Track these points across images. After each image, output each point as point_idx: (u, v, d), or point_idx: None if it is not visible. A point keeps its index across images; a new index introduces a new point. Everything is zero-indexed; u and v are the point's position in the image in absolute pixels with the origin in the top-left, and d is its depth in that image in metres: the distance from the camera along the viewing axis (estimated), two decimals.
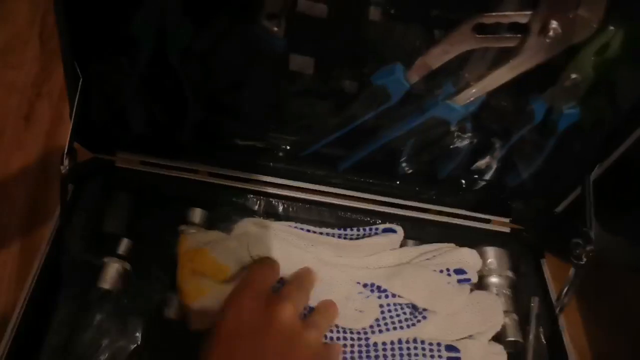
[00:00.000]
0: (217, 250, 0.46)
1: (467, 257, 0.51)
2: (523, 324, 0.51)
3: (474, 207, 0.57)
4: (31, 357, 0.40)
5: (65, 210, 0.47)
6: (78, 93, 0.44)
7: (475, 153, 0.53)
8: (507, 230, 0.58)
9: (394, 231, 0.52)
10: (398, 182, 0.55)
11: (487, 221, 0.57)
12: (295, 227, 0.51)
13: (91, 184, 0.51)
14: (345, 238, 0.51)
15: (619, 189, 0.59)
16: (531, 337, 0.50)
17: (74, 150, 0.45)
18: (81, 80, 0.44)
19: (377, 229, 0.52)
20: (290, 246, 0.48)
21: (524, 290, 0.53)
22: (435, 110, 0.46)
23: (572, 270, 0.50)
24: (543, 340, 0.50)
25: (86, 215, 0.49)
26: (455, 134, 0.50)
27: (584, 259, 0.49)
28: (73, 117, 0.44)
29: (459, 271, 0.50)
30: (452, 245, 0.53)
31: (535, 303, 0.52)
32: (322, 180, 0.54)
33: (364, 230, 0.52)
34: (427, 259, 0.51)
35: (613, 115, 0.48)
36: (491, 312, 0.48)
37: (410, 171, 0.54)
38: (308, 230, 0.51)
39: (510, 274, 0.53)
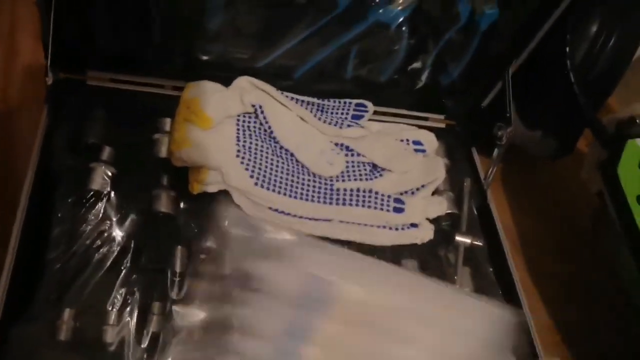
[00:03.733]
0: (208, 101, 0.53)
1: (425, 135, 0.62)
2: (459, 201, 0.60)
3: (412, 107, 0.65)
4: (40, 245, 0.45)
5: (51, 123, 0.52)
6: (52, 12, 0.48)
7: (411, 56, 0.60)
8: (442, 125, 0.67)
9: (365, 105, 0.61)
10: (346, 86, 0.62)
11: (425, 119, 0.66)
12: (282, 93, 0.59)
13: (68, 101, 0.55)
14: (323, 109, 0.60)
15: (531, 84, 0.69)
16: (465, 209, 0.59)
17: (55, 66, 0.49)
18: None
19: (350, 102, 0.62)
20: (278, 103, 0.57)
21: (458, 174, 0.63)
22: (377, 15, 0.53)
23: (495, 151, 0.60)
24: (475, 211, 0.60)
25: (67, 129, 0.53)
26: (394, 37, 0.57)
27: (505, 139, 0.58)
28: (50, 36, 0.48)
29: (416, 142, 0.60)
30: (415, 127, 0.63)
31: (467, 183, 0.62)
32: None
33: (340, 102, 0.61)
34: (391, 132, 0.61)
35: (526, 15, 0.56)
36: (434, 169, 0.58)
37: (356, 75, 0.61)
38: (292, 98, 0.59)
39: (446, 160, 0.62)
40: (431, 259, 0.55)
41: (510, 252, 0.57)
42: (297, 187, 0.54)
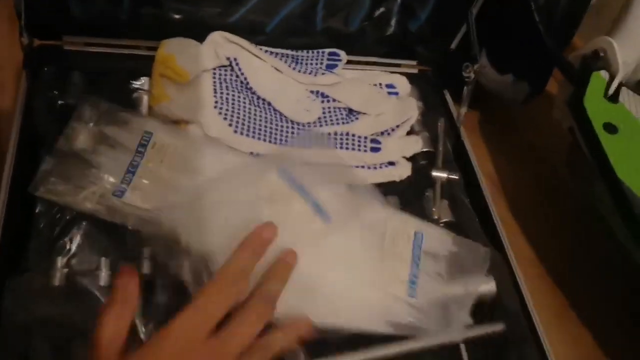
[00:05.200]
0: (182, 56, 0.54)
1: (397, 79, 0.64)
2: (434, 140, 0.62)
3: (384, 55, 0.67)
4: (28, 201, 0.47)
5: (30, 88, 0.53)
6: None
7: (377, 3, 0.62)
8: (415, 71, 0.69)
9: (338, 54, 0.63)
10: (317, 39, 0.64)
11: (398, 65, 0.68)
12: (257, 46, 0.60)
13: (45, 67, 0.56)
14: (298, 60, 0.62)
15: (498, 29, 0.71)
16: (440, 146, 0.61)
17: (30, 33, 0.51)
18: None
19: (323, 52, 0.63)
20: (253, 55, 0.59)
21: (433, 116, 0.65)
22: None
23: (465, 89, 0.62)
24: (449, 148, 0.62)
25: (47, 94, 0.55)
26: None
27: (472, 75, 0.60)
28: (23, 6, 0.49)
29: (389, 86, 0.62)
30: (388, 72, 0.65)
31: (441, 122, 0.64)
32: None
33: (313, 52, 0.63)
34: (364, 77, 0.63)
35: None
36: (408, 109, 0.60)
37: (326, 27, 0.63)
38: (266, 51, 0.61)
39: (420, 104, 0.64)
40: (411, 195, 0.58)
41: (489, 189, 0.60)
42: (276, 133, 0.56)
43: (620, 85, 0.66)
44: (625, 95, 0.67)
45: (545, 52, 0.70)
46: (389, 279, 0.47)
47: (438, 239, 0.51)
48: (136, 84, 0.57)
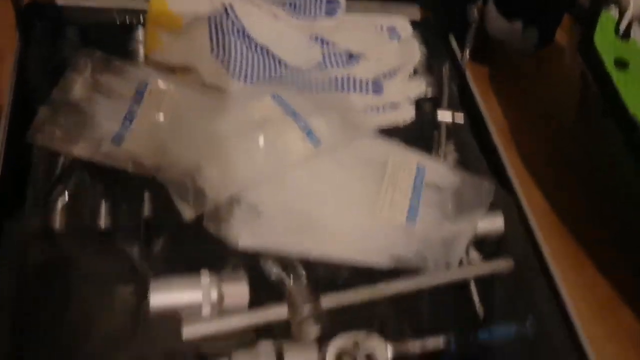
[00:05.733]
0: (175, 2, 0.53)
1: (399, 22, 0.62)
2: (439, 84, 0.61)
3: None
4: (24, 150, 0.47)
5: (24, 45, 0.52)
6: None
7: None
8: (417, 17, 0.67)
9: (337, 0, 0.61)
10: None
11: (400, 12, 0.66)
12: None
13: (38, 23, 0.55)
14: (295, 7, 0.60)
15: None
16: (445, 89, 0.60)
17: None
18: None
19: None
20: (248, 3, 0.57)
21: (436, 60, 0.63)
22: None
23: (469, 30, 0.60)
24: (455, 91, 0.60)
25: (40, 48, 0.54)
26: None
27: (476, 14, 0.58)
28: None
29: (390, 28, 0.61)
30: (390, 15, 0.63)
31: (445, 66, 0.62)
32: None
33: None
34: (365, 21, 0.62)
35: None
36: (410, 51, 0.58)
37: None
38: None
39: (424, 49, 0.63)
40: (417, 139, 0.56)
41: (498, 135, 0.58)
42: (275, 80, 0.54)
43: (631, 22, 0.64)
44: (637, 31, 0.65)
45: None
46: (388, 209, 0.46)
47: (441, 173, 0.50)
48: (131, 36, 0.56)
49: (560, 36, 0.77)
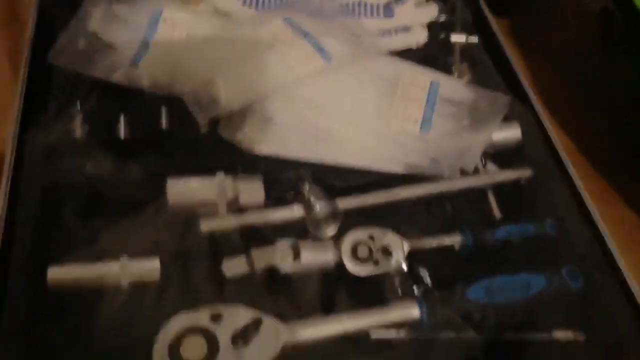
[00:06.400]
0: None
1: None
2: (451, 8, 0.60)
3: None
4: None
5: None
6: None
7: None
8: None
9: None
10: None
11: None
12: None
13: None
14: None
15: None
16: (458, 13, 0.60)
17: None
18: None
19: None
20: None
21: None
22: None
23: None
24: (469, 16, 0.60)
25: None
26: None
27: None
28: None
29: None
30: None
31: None
32: None
33: None
34: None
35: None
36: None
37: None
38: None
39: None
40: (430, 62, 0.56)
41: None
42: (285, 7, 0.55)
43: None
44: None
45: None
46: (402, 119, 0.47)
47: (455, 88, 0.50)
48: None
49: None
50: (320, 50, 0.48)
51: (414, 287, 0.40)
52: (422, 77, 0.50)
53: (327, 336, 0.38)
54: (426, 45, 0.57)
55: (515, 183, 0.48)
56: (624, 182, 0.63)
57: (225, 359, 0.35)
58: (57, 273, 0.38)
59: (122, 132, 0.45)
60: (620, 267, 0.42)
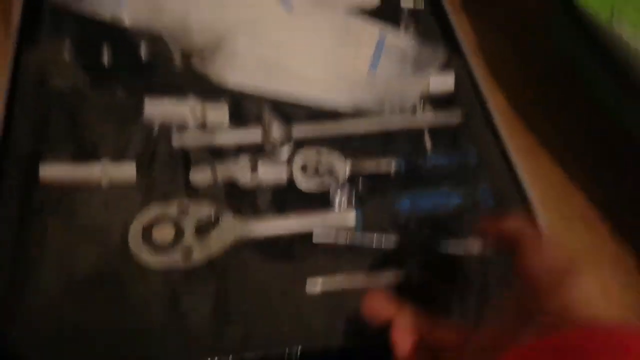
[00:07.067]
0: None
1: None
2: None
3: None
4: None
5: None
6: None
7: None
8: None
9: None
10: None
11: None
12: None
13: None
14: None
15: None
16: None
17: None
18: None
19: None
20: None
21: None
22: None
23: None
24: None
25: None
26: None
27: None
28: None
29: None
30: None
31: None
32: None
33: None
34: None
35: None
36: None
37: None
38: None
39: None
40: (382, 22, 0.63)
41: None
42: None
43: None
44: None
45: None
46: (353, 58, 0.54)
47: (401, 38, 0.58)
48: None
49: None
50: (283, 1, 0.55)
51: (353, 200, 0.48)
52: (373, 27, 0.57)
53: (277, 234, 0.45)
54: (378, 8, 0.64)
55: (447, 125, 0.56)
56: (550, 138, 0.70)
57: (188, 243, 0.42)
58: (48, 171, 0.44)
59: (106, 60, 0.51)
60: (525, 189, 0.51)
